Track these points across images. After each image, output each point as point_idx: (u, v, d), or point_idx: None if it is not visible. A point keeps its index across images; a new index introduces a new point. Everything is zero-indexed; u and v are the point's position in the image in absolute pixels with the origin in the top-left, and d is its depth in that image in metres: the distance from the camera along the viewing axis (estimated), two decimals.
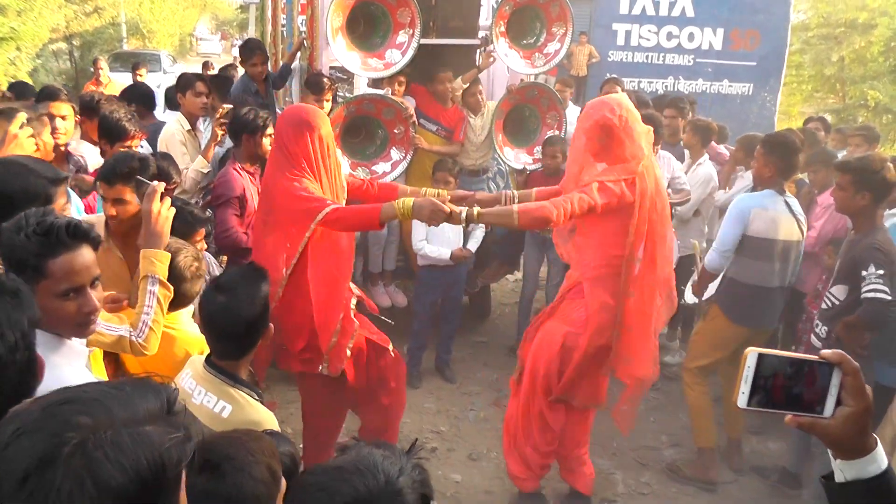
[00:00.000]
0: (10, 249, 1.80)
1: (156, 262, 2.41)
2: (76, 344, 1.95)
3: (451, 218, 3.07)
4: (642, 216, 3.33)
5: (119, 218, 2.85)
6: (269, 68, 7.10)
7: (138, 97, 5.83)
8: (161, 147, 4.73)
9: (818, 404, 1.17)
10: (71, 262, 1.83)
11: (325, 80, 4.96)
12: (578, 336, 3.49)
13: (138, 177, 2.73)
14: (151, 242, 2.44)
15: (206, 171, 4.50)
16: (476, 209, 3.13)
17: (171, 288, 2.43)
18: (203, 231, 3.40)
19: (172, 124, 4.93)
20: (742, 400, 1.19)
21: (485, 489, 4.12)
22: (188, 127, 4.93)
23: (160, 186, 2.53)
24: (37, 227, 1.80)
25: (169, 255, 2.47)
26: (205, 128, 5.19)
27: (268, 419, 2.19)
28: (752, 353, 1.19)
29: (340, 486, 1.19)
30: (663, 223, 3.47)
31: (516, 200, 3.59)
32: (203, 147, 4.74)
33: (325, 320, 3.32)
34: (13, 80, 9.06)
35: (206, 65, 11.23)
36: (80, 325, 1.90)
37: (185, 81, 5.10)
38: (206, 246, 3.58)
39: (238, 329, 2.21)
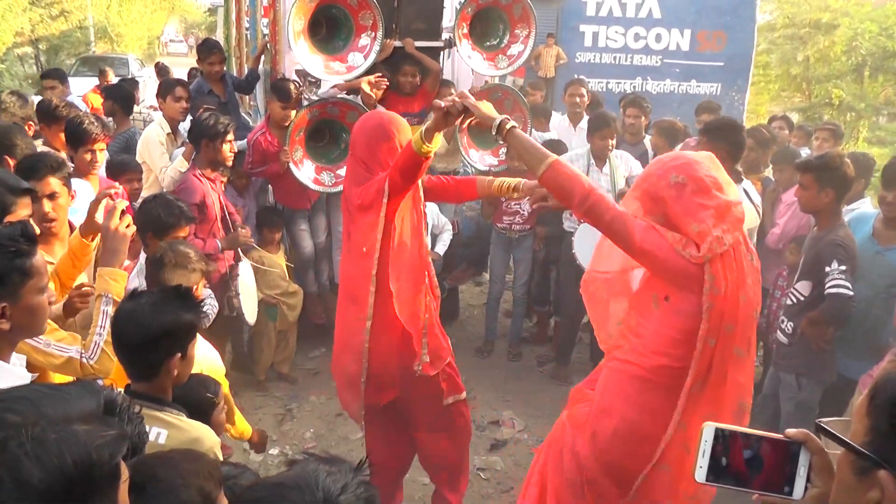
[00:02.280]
0: None
1: (111, 280, 2.32)
2: (18, 369, 1.90)
3: (481, 119, 2.63)
4: (714, 324, 2.39)
5: (53, 216, 2.82)
6: (234, 72, 7.07)
7: (119, 97, 5.80)
8: (141, 148, 4.81)
9: (786, 484, 1.12)
10: (43, 258, 1.90)
11: (292, 86, 4.93)
12: (577, 437, 2.73)
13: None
14: (108, 260, 2.35)
15: (184, 170, 4.47)
16: (511, 122, 2.56)
17: None
18: (189, 228, 3.37)
19: (153, 127, 5.00)
20: (700, 474, 1.15)
21: None
22: (168, 130, 4.97)
23: (121, 203, 2.46)
24: (14, 232, 1.83)
25: (126, 274, 2.38)
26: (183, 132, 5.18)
27: (207, 435, 2.11)
28: (708, 427, 1.16)
29: (277, 502, 1.19)
30: (745, 337, 2.50)
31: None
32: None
33: (411, 317, 3.13)
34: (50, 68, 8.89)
35: (157, 65, 11.21)
36: (45, 319, 1.96)
37: (165, 86, 5.18)
38: None
39: (137, 339, 2.04)
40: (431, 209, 5.19)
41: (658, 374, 2.52)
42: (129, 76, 16.25)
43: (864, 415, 0.82)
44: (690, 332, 2.42)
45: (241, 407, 4.79)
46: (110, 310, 2.28)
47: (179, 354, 2.07)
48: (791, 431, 1.12)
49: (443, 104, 2.67)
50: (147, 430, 2.00)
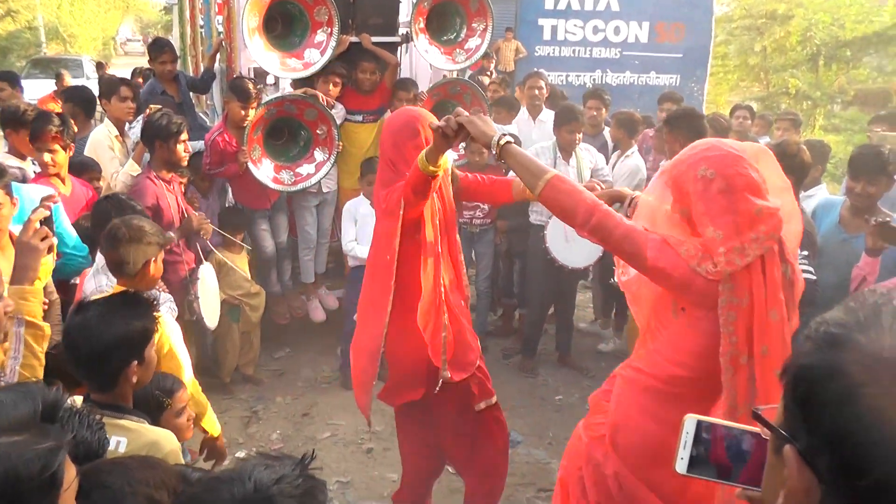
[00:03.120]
0: None
1: (20, 300, 2.14)
2: None
3: (476, 137, 2.48)
4: (742, 339, 2.15)
5: None
6: (191, 71, 6.97)
7: (80, 100, 5.60)
8: (89, 153, 4.66)
9: None
10: None
11: (251, 85, 4.85)
12: (594, 449, 2.51)
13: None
14: (16, 277, 2.18)
15: (135, 174, 4.37)
16: (507, 138, 2.41)
17: (45, 326, 2.19)
18: None
19: (100, 130, 4.85)
20: (681, 466, 1.14)
21: None
22: (116, 132, 4.83)
23: (38, 214, 2.28)
24: None
25: (39, 290, 2.22)
26: (131, 133, 5.07)
27: (166, 439, 2.08)
28: (689, 419, 1.15)
29: (205, 496, 1.18)
30: (777, 353, 2.20)
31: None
32: (133, 151, 4.64)
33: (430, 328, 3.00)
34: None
35: (100, 65, 10.78)
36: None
37: (108, 86, 5.04)
38: None
39: (90, 352, 1.99)
40: None
41: (672, 385, 2.31)
42: (85, 77, 15.87)
43: (781, 396, 0.84)
44: (709, 348, 2.19)
45: None
46: (22, 331, 2.14)
47: (136, 362, 2.04)
48: None
49: (437, 125, 2.54)
50: (108, 441, 1.98)
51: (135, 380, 2.06)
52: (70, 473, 1.08)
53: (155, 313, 2.19)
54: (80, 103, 5.58)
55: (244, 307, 4.93)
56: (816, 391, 0.75)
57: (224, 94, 5.51)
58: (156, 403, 2.37)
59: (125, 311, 2.07)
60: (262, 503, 1.17)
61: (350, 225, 5.02)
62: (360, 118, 5.36)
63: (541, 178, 2.29)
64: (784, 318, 2.19)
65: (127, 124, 5.10)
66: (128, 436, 2.01)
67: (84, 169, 4.31)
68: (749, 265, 2.11)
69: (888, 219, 3.39)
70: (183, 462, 2.14)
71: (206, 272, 4.26)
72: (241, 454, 4.38)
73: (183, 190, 4.49)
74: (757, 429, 1.10)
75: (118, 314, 2.05)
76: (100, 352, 2.00)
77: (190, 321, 4.29)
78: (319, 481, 1.28)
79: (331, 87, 5.03)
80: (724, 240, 2.10)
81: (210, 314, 4.25)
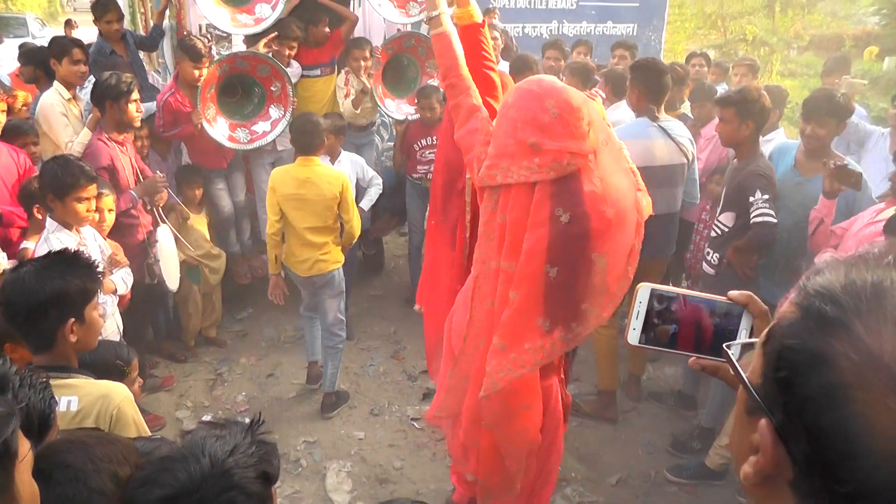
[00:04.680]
0: None
1: None
2: None
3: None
4: (503, 249, 2.47)
5: None
6: (141, 29, 6.75)
7: (40, 61, 5.17)
8: (40, 120, 4.43)
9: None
10: None
11: (202, 45, 4.71)
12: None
13: None
14: None
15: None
16: (437, 12, 2.69)
17: None
18: (91, 188, 3.22)
19: (50, 94, 4.55)
20: (633, 336, 1.11)
21: (388, 443, 4.14)
22: (68, 95, 4.56)
23: None
24: None
25: None
26: (83, 95, 4.85)
27: (116, 390, 2.05)
28: (643, 289, 1.11)
29: (161, 478, 1.13)
30: (522, 285, 2.45)
31: None
32: (87, 118, 4.44)
33: None
34: None
35: (68, 23, 10.15)
36: None
37: (60, 47, 4.66)
38: (93, 209, 3.44)
39: (24, 308, 1.97)
40: (357, 161, 5.11)
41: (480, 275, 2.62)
42: (31, 37, 15.05)
43: (759, 354, 0.75)
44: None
45: (171, 375, 4.72)
46: None
47: (73, 320, 2.00)
48: (734, 294, 1.06)
49: None
50: (56, 399, 1.95)
51: (74, 339, 2.01)
52: (24, 446, 1.05)
53: (96, 274, 2.14)
54: (40, 65, 5.28)
55: (203, 269, 4.86)
56: (799, 381, 0.65)
57: (175, 51, 5.35)
58: (117, 371, 2.36)
59: (63, 268, 2.02)
60: (221, 478, 1.14)
61: None
62: (317, 72, 5.27)
63: (441, 27, 2.66)
64: (536, 250, 2.38)
65: (78, 88, 4.89)
66: (77, 393, 1.99)
67: (17, 133, 4.06)
68: (512, 188, 2.40)
69: (845, 162, 3.45)
70: (137, 409, 2.13)
71: (164, 235, 4.20)
72: (207, 418, 4.37)
73: (136, 151, 4.38)
74: (715, 297, 1.07)
75: (55, 270, 2.01)
76: (35, 307, 1.96)
77: (150, 286, 4.24)
78: (271, 444, 1.25)
79: (287, 51, 4.95)
80: (492, 157, 2.44)
81: (170, 276, 4.21)
